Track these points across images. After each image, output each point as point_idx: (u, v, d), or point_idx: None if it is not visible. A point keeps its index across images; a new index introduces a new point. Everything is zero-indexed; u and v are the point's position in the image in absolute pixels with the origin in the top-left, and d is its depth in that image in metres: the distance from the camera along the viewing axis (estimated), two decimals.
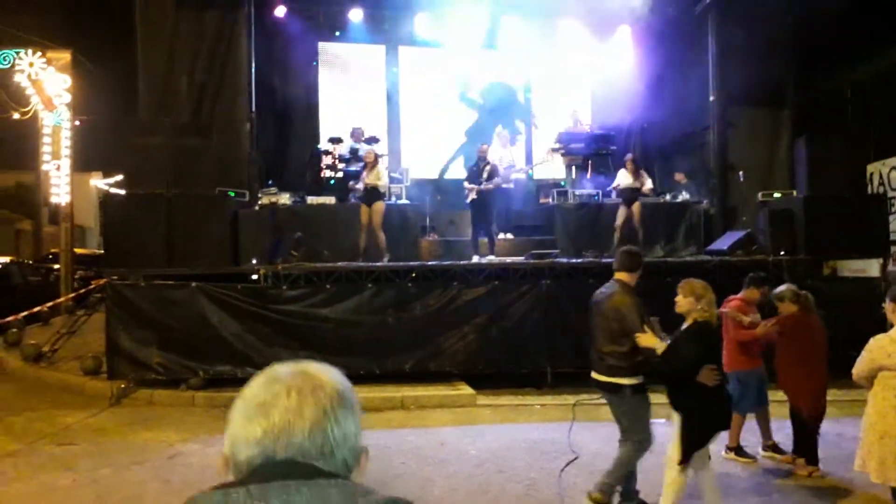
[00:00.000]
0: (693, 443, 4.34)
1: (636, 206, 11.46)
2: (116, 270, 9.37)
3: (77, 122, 15.81)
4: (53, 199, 15.52)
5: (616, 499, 4.87)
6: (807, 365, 5.62)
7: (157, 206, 9.22)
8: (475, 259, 10.72)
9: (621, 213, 11.54)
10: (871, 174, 11.73)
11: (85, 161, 21.45)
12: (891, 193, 11.24)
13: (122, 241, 9.30)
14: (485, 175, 11.10)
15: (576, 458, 6.32)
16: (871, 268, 10.80)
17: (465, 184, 11.34)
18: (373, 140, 12.88)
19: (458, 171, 15.04)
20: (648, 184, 11.55)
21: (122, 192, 11.58)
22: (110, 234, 9.67)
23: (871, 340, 4.11)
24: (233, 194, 9.85)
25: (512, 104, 15.86)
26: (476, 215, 11.28)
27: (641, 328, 4.58)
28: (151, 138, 9.63)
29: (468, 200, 11.26)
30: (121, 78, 15.44)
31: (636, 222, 11.47)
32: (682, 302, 4.39)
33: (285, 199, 11.11)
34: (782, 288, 6.03)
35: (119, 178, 12.74)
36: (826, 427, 7.21)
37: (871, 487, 5.05)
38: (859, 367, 4.15)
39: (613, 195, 12.03)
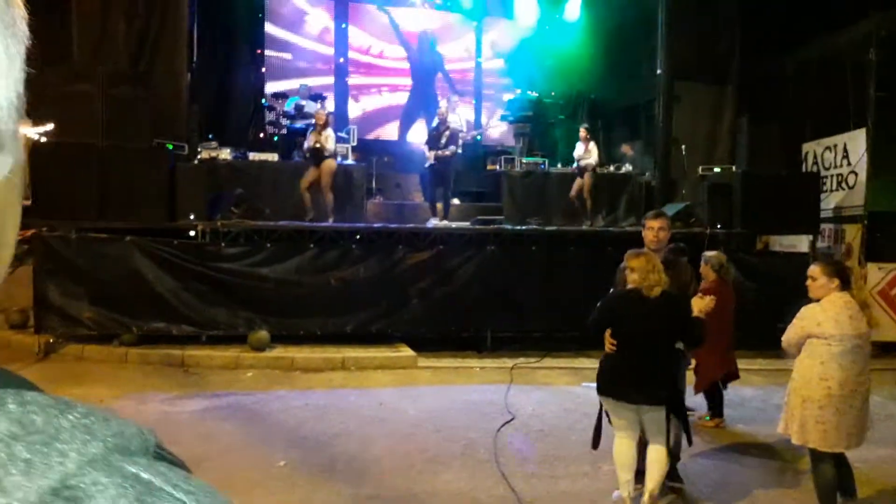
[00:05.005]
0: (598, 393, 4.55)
1: (586, 178, 11.54)
2: (46, 222, 8.97)
3: None
4: None
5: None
6: (717, 330, 5.71)
7: (89, 156, 8.82)
8: (432, 222, 10.68)
9: (576, 183, 11.63)
10: (807, 153, 12.08)
11: None
12: (823, 173, 11.62)
13: (52, 192, 8.86)
14: (443, 140, 11.03)
15: (512, 419, 6.44)
16: (802, 244, 11.17)
17: (425, 148, 11.26)
18: (318, 97, 12.60)
19: (397, 133, 14.96)
20: (591, 158, 11.58)
21: (52, 140, 11.04)
22: (39, 185, 9.20)
23: (803, 309, 4.25)
24: (171, 147, 9.51)
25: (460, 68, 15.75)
26: (432, 180, 11.23)
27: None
28: (84, 85, 9.18)
29: (426, 165, 11.18)
30: (55, 22, 14.64)
31: (584, 193, 11.58)
32: (626, 273, 4.49)
33: (226, 154, 10.78)
34: (711, 253, 6.16)
35: (49, 127, 12.12)
36: (751, 393, 7.56)
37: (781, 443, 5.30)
38: (789, 335, 4.29)
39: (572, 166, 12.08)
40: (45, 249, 8.68)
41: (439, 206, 11.17)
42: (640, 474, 4.70)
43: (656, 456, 4.43)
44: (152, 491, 0.37)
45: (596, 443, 4.58)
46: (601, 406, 4.57)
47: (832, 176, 11.57)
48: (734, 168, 11.01)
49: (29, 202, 10.12)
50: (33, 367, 7.90)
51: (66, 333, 8.60)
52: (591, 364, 8.46)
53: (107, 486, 0.36)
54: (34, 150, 10.38)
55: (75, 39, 10.26)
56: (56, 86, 10.07)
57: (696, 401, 6.41)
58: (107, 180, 8.85)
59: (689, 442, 4.68)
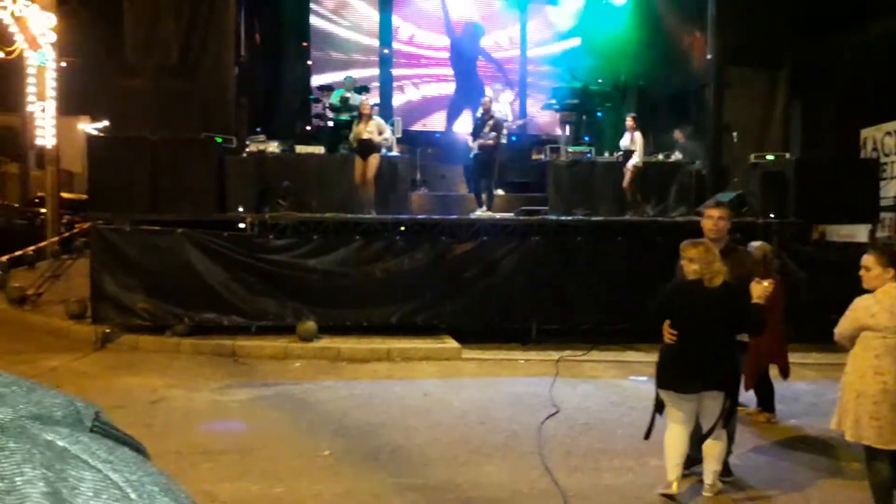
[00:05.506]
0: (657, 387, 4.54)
1: (628, 168, 11.31)
2: (102, 214, 9.26)
3: (63, 64, 15.46)
4: (39, 142, 15.26)
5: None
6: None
7: (141, 149, 9.07)
8: (478, 212, 10.67)
9: (625, 173, 11.41)
10: (865, 139, 11.66)
11: (72, 105, 21.02)
12: (884, 159, 11.19)
13: (107, 184, 9.17)
14: (487, 129, 10.96)
15: (557, 412, 6.39)
16: (860, 233, 10.80)
17: (469, 138, 11.23)
18: (363, 89, 12.67)
19: (442, 124, 14.95)
20: (635, 149, 11.27)
21: (107, 135, 11.40)
22: (94, 178, 9.53)
23: (856, 300, 4.10)
24: (219, 140, 9.69)
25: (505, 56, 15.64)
26: (476, 171, 11.18)
27: None
28: (136, 80, 9.44)
29: (471, 155, 11.13)
30: (108, 19, 15.07)
31: (625, 184, 11.34)
32: (682, 264, 4.45)
33: (274, 146, 10.93)
34: (756, 243, 6.02)
35: (106, 123, 12.53)
36: (804, 388, 7.34)
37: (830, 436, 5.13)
38: (842, 327, 4.15)
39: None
40: (101, 242, 8.95)
41: (483, 196, 11.14)
42: (688, 460, 4.69)
43: (715, 445, 4.45)
44: (66, 458, 0.37)
45: (648, 434, 4.58)
46: (657, 397, 4.56)
47: (893, 162, 11.14)
48: (788, 155, 10.69)
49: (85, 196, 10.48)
50: (91, 357, 8.18)
51: (121, 324, 8.86)
52: (640, 357, 8.40)
53: (14, 452, 0.36)
54: (90, 144, 10.76)
55: (127, 36, 10.53)
56: (110, 81, 10.40)
57: (746, 396, 6.26)
58: (158, 173, 9.09)
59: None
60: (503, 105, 13.51)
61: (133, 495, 0.38)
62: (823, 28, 12.25)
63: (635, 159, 11.20)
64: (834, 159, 10.16)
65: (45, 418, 0.39)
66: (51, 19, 14.40)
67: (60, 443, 0.38)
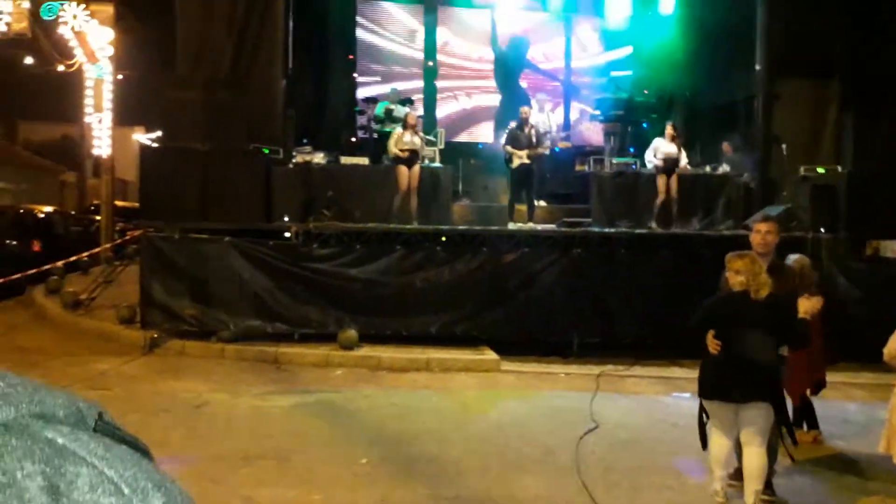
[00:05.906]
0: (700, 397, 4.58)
1: (675, 178, 11.17)
2: (152, 223, 9.54)
3: (119, 77, 16.00)
4: (95, 152, 15.82)
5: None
6: None
7: (191, 159, 9.33)
8: (510, 225, 10.63)
9: (662, 184, 11.21)
10: None
11: (128, 116, 21.78)
12: None
13: (158, 193, 9.46)
14: (533, 140, 10.84)
15: (596, 428, 6.32)
16: None
17: (508, 148, 11.01)
18: (407, 101, 12.80)
19: (486, 136, 14.95)
20: (683, 158, 11.20)
21: (159, 146, 11.77)
22: (146, 187, 9.84)
23: None
24: (266, 151, 9.90)
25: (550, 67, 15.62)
26: (520, 181, 11.04)
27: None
28: (186, 92, 9.71)
29: (514, 166, 10.96)
30: (163, 33, 15.57)
31: (673, 194, 11.19)
32: (728, 275, 4.45)
33: (319, 158, 11.12)
34: (794, 256, 5.86)
35: (159, 133, 12.94)
36: (853, 408, 7.12)
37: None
38: (892, 346, 4.03)
39: (650, 166, 11.62)
40: (151, 249, 9.21)
41: (522, 207, 11.02)
42: (737, 472, 4.66)
43: (755, 462, 4.37)
44: (65, 455, 0.40)
45: (704, 443, 4.60)
46: (701, 407, 4.57)
47: None
48: (839, 168, 10.40)
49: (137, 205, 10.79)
50: (139, 361, 8.41)
51: (168, 329, 9.08)
52: (684, 374, 8.23)
53: (15, 448, 0.39)
54: (142, 154, 11.09)
55: (180, 49, 10.85)
56: (163, 93, 10.73)
57: None
58: (207, 183, 9.33)
59: (794, 441, 4.65)
60: (545, 116, 13.45)
61: (126, 490, 0.41)
62: (877, 37, 11.88)
63: (683, 163, 11.13)
64: (888, 172, 9.82)
65: (48, 417, 0.42)
66: (109, 34, 14.93)
67: (60, 440, 0.41)
